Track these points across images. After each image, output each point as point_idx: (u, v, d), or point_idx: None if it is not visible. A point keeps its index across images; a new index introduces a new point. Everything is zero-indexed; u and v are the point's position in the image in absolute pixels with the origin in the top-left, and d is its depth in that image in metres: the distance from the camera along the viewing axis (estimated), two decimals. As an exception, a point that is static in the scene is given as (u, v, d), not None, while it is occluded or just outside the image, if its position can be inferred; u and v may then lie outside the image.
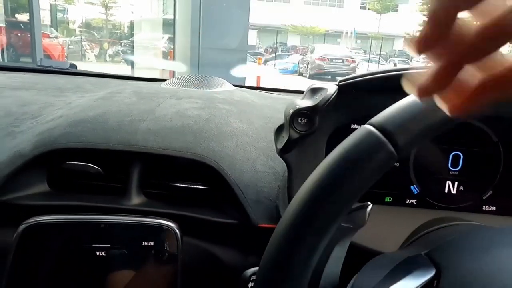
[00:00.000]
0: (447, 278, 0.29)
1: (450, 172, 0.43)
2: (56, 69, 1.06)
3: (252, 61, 10.85)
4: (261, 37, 24.58)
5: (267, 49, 20.94)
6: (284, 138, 0.37)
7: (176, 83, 0.85)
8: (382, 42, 18.62)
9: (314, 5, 25.89)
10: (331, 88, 0.38)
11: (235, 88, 0.87)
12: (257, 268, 0.40)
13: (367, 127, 0.25)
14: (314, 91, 0.39)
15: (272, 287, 0.25)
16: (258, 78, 7.06)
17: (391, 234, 0.41)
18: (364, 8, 25.85)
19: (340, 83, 0.40)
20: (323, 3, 26.20)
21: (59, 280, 0.43)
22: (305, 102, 0.37)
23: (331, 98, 0.37)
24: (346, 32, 24.05)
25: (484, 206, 0.44)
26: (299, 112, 0.36)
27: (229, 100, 0.70)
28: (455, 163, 0.43)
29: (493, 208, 0.44)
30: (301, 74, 13.32)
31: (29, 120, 0.59)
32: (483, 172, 0.43)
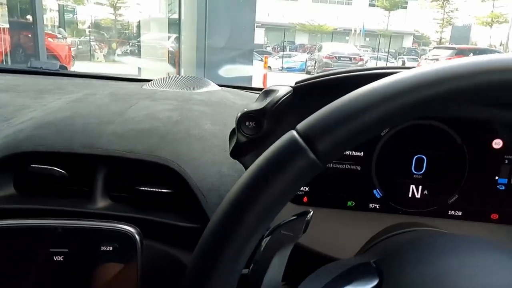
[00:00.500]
0: (385, 286, 0.28)
1: (414, 176, 0.42)
2: (46, 71, 1.06)
3: (259, 60, 10.85)
4: (269, 35, 24.54)
5: (275, 48, 20.90)
6: (233, 141, 0.36)
7: (159, 84, 0.84)
8: (390, 40, 18.44)
9: (323, 3, 25.76)
10: (283, 90, 0.37)
11: (219, 88, 0.86)
12: None
13: (292, 132, 0.24)
14: (266, 93, 0.37)
15: (200, 278, 0.24)
16: (265, 76, 7.06)
17: (352, 239, 0.40)
18: (373, 5, 25.64)
19: (295, 85, 0.39)
20: (331, 0, 26.07)
21: (17, 285, 0.43)
22: (255, 105, 0.36)
23: (281, 101, 0.36)
24: (355, 30, 23.88)
25: (450, 211, 0.42)
26: (247, 115, 0.35)
27: (206, 101, 0.69)
28: (418, 166, 0.41)
29: (459, 213, 0.42)
30: (308, 72, 13.27)
31: (2, 122, 0.58)
32: (448, 175, 0.42)
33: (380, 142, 0.41)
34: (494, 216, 0.42)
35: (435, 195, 0.42)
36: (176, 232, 0.48)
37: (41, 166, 0.50)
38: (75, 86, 0.82)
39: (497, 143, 0.40)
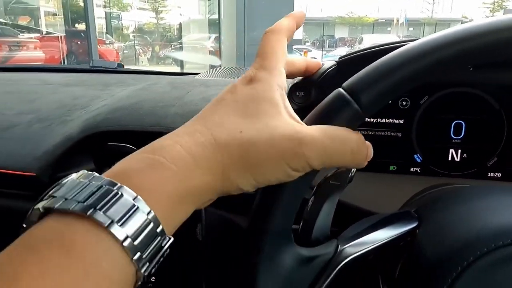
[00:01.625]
0: (424, 227, 0.32)
1: (453, 141, 0.45)
2: (106, 69, 1.17)
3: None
4: (308, 30, 24.32)
5: (314, 43, 20.70)
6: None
7: (208, 75, 0.91)
8: (435, 28, 17.69)
9: (362, -6, 25.12)
10: (328, 64, 0.42)
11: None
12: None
13: (338, 89, 0.29)
14: (314, 67, 0.42)
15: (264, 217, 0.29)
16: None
17: (395, 199, 0.44)
18: (416, -7, 24.66)
19: (339, 59, 0.44)
20: (371, -9, 25.35)
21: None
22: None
23: (326, 72, 0.40)
24: (397, 20, 23.12)
25: (489, 173, 0.45)
26: (296, 85, 0.40)
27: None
28: (457, 131, 0.44)
29: (499, 175, 0.45)
30: (349, 66, 13.01)
31: (79, 110, 0.67)
32: (486, 139, 0.44)
33: (419, 109, 0.45)
34: (534, 177, 0.44)
35: (474, 158, 0.45)
36: (233, 199, 0.54)
37: (116, 143, 0.58)
38: (135, 79, 0.91)
39: (535, 107, 0.43)
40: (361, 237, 0.33)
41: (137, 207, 0.21)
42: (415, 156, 0.46)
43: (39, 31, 9.42)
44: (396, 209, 0.43)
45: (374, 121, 0.46)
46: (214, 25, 9.14)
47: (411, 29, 24.55)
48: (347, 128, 0.28)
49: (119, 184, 0.21)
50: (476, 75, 0.43)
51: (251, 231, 0.30)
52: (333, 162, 0.27)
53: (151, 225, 0.21)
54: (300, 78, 0.40)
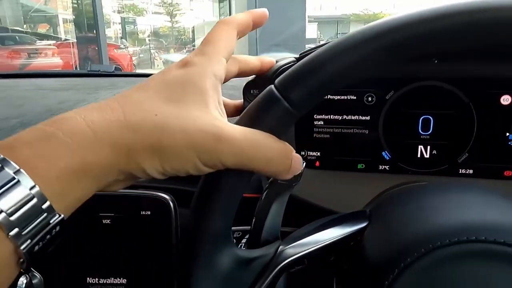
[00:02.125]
0: (371, 227, 0.31)
1: (421, 137, 0.43)
2: (103, 73, 1.18)
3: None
4: (322, 29, 24.16)
5: (329, 41, 20.52)
6: (244, 109, 0.40)
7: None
8: (454, 22, 17.22)
9: (377, -9, 24.78)
10: (286, 60, 0.41)
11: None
12: (245, 227, 0.44)
13: (270, 86, 0.28)
14: (273, 64, 0.41)
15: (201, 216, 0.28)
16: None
17: (362, 198, 0.43)
18: (433, -13, 24.16)
19: (299, 56, 0.43)
20: (386, -13, 24.98)
21: (73, 245, 0.51)
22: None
23: (281, 69, 0.39)
24: (413, 16, 22.63)
25: (460, 170, 0.43)
26: (250, 83, 0.39)
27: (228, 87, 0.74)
28: (425, 127, 0.43)
29: (470, 171, 0.43)
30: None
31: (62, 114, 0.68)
32: (456, 135, 0.42)
33: (385, 105, 0.43)
34: (508, 173, 0.42)
35: (444, 155, 0.43)
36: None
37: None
38: (126, 83, 0.92)
39: (506, 99, 0.41)
40: (305, 237, 0.32)
41: (18, 181, 0.20)
42: (383, 153, 0.44)
43: (57, 38, 9.67)
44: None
45: (340, 118, 0.45)
46: (227, 27, 9.14)
47: (428, 24, 23.99)
48: (271, 136, 0.27)
49: (1, 156, 0.21)
50: (443, 68, 0.41)
51: (189, 231, 0.30)
52: (248, 166, 0.26)
53: (35, 200, 0.21)
54: (254, 76, 0.40)
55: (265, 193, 0.34)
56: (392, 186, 0.42)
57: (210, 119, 0.25)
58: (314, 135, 0.45)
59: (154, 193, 0.51)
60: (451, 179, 0.43)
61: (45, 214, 0.21)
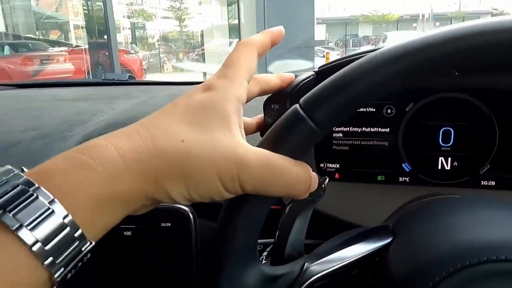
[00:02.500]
0: (396, 243, 0.31)
1: (442, 148, 0.43)
2: (117, 81, 1.20)
3: (322, 56, 10.74)
4: (330, 30, 24.09)
5: (337, 42, 20.49)
6: (266, 123, 0.41)
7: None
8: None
9: (386, -9, 24.64)
10: (305, 75, 0.41)
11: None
12: (267, 240, 0.44)
13: (295, 106, 0.28)
14: (291, 78, 0.42)
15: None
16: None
17: (384, 210, 0.43)
18: (442, -13, 23.98)
19: (318, 69, 0.43)
20: (395, -13, 24.84)
21: (95, 257, 0.51)
22: (280, 90, 0.40)
23: (301, 84, 0.39)
24: (423, 15, 22.54)
25: (482, 181, 0.43)
26: (271, 98, 0.40)
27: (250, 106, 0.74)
28: (446, 139, 0.43)
29: (493, 183, 0.42)
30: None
31: (80, 125, 0.69)
32: (477, 146, 0.42)
33: (405, 117, 0.43)
34: (531, 184, 0.42)
35: (465, 166, 0.43)
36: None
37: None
38: (141, 91, 0.92)
39: (528, 110, 0.40)
40: (330, 254, 0.32)
41: (52, 211, 0.21)
42: (403, 165, 0.44)
43: (68, 45, 9.81)
44: (382, 222, 0.42)
45: (359, 130, 0.45)
46: (235, 30, 9.22)
47: (437, 24, 23.86)
48: (291, 160, 0.27)
49: (36, 185, 0.21)
50: (464, 80, 0.41)
51: (215, 249, 0.30)
52: (268, 192, 0.26)
53: (68, 229, 0.21)
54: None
55: (288, 208, 0.34)
56: (413, 198, 0.42)
57: (233, 145, 0.25)
58: (334, 147, 0.45)
59: (174, 205, 0.51)
60: (473, 191, 0.43)
61: (77, 242, 0.22)
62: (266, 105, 0.40)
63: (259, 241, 0.47)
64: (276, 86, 0.36)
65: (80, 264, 0.23)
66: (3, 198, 0.20)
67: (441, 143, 0.43)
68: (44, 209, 0.21)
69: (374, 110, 0.43)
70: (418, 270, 0.27)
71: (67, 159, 0.23)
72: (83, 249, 0.22)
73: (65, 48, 8.76)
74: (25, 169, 0.23)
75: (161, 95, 0.77)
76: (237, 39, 8.76)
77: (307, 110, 0.27)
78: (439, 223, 0.30)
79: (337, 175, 0.46)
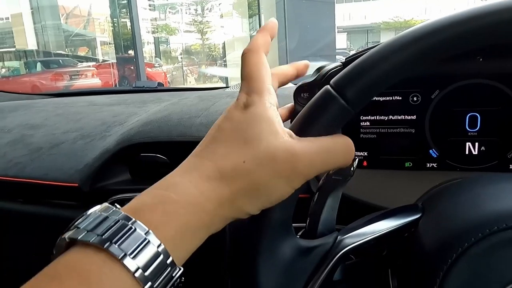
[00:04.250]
0: (426, 217, 0.32)
1: (469, 134, 0.44)
2: (147, 88, 1.25)
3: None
4: (352, 39, 23.97)
5: (359, 50, 20.33)
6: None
7: (238, 87, 0.95)
8: (490, 25, 16.62)
9: (407, -3, 24.37)
10: (333, 65, 0.43)
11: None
12: (299, 224, 0.46)
13: (326, 86, 0.30)
14: (319, 69, 0.44)
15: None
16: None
17: (412, 196, 0.44)
18: (466, -9, 23.51)
19: (345, 60, 0.45)
20: (417, -7, 24.53)
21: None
22: (310, 79, 0.43)
23: (330, 73, 0.42)
24: (447, 20, 22.03)
25: (510, 165, 0.43)
26: (301, 87, 0.42)
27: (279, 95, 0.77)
28: (472, 124, 0.44)
29: (521, 166, 0.43)
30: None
31: (117, 126, 0.73)
32: (504, 131, 0.43)
33: (431, 104, 0.44)
34: (560, 167, 0.42)
35: (493, 151, 0.43)
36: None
37: (148, 154, 0.62)
38: (171, 95, 0.97)
39: (554, 94, 0.41)
40: (361, 228, 0.33)
41: (148, 241, 0.23)
42: (431, 151, 0.45)
43: (95, 60, 10.17)
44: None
45: (386, 119, 0.46)
46: (257, 41, 9.29)
47: (462, 28, 23.29)
48: (331, 137, 0.29)
49: (133, 219, 0.24)
50: (488, 66, 0.42)
51: (250, 225, 0.32)
52: (323, 170, 0.30)
53: (161, 257, 0.24)
54: (305, 80, 0.42)
55: (320, 188, 0.36)
56: (442, 182, 0.43)
57: (285, 144, 0.28)
58: (361, 136, 0.47)
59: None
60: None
61: (169, 268, 0.24)
62: (296, 94, 0.42)
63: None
64: (292, 76, 0.38)
65: None
66: (108, 232, 0.23)
67: (468, 129, 0.44)
68: (142, 240, 0.23)
69: (400, 98, 0.45)
70: (447, 239, 0.29)
71: (154, 196, 0.26)
72: (173, 274, 0.25)
73: (93, 63, 9.09)
74: (117, 206, 0.26)
75: (191, 97, 0.81)
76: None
77: (338, 89, 0.29)
78: (467, 196, 0.32)
79: (365, 163, 0.48)
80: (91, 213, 0.25)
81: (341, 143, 0.30)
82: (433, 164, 0.46)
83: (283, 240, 0.31)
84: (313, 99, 0.31)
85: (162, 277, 0.24)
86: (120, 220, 0.24)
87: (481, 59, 0.42)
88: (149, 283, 0.23)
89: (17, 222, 0.70)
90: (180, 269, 0.25)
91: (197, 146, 0.30)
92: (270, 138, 0.28)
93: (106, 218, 0.24)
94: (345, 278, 0.36)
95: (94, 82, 7.87)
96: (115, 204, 0.26)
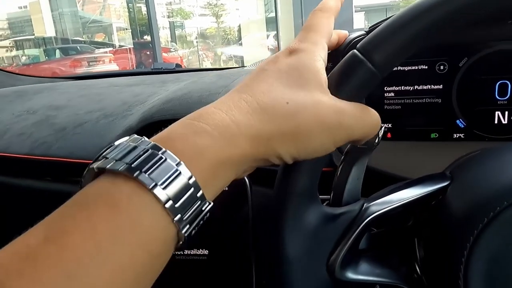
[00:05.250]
0: (454, 184, 0.32)
1: (498, 102, 0.43)
2: (165, 70, 1.25)
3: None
4: (370, 18, 23.39)
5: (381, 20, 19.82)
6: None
7: (258, 64, 0.95)
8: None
9: (428, -26, 23.49)
10: (356, 34, 0.42)
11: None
12: (324, 196, 0.46)
13: (353, 50, 0.30)
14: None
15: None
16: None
17: (439, 166, 0.43)
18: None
19: (369, 28, 0.44)
20: (438, -31, 23.58)
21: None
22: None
23: (353, 42, 0.41)
24: (469, -4, 21.23)
25: (542, 134, 0.42)
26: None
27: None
28: (503, 92, 0.42)
29: (553, 135, 0.42)
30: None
31: (139, 105, 0.74)
32: (536, 98, 0.41)
33: (458, 73, 0.43)
34: None
35: (523, 119, 0.42)
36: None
37: (169, 131, 0.63)
38: (189, 76, 0.97)
39: None
40: (385, 196, 0.33)
41: (179, 172, 0.22)
42: (458, 121, 0.44)
43: (112, 45, 10.25)
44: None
45: (411, 89, 0.45)
46: (272, 23, 9.20)
47: (486, 4, 22.42)
48: (360, 106, 0.29)
49: (163, 149, 0.23)
50: (520, 30, 0.40)
51: (277, 193, 0.32)
52: (363, 136, 0.30)
53: (192, 189, 0.23)
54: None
55: (344, 158, 0.36)
56: (469, 152, 0.42)
57: (332, 100, 0.27)
58: (385, 107, 0.46)
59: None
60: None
61: (199, 202, 0.23)
62: (320, 64, 0.41)
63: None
64: (335, 43, 0.37)
65: (201, 222, 0.24)
66: (137, 161, 0.22)
67: (498, 97, 0.42)
68: (173, 171, 0.22)
69: (426, 67, 0.44)
70: (478, 203, 0.28)
71: (186, 125, 0.25)
72: (203, 208, 0.24)
73: (110, 49, 9.17)
74: (145, 138, 0.25)
75: (210, 75, 0.80)
76: (274, 32, 8.74)
77: (365, 53, 0.29)
78: (496, 164, 0.31)
79: (389, 135, 0.47)
80: (119, 143, 0.24)
81: (370, 113, 0.29)
82: (460, 135, 0.45)
83: (309, 207, 0.31)
84: (340, 63, 0.30)
85: (192, 209, 0.23)
86: (150, 150, 0.23)
87: (511, 22, 0.40)
88: (179, 215, 0.22)
89: (46, 200, 0.72)
90: (210, 203, 0.24)
91: (236, 85, 0.28)
92: (316, 88, 0.27)
93: (135, 147, 0.23)
94: (370, 247, 0.36)
95: (112, 67, 7.96)
96: (143, 136, 0.25)
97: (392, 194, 0.33)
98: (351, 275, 0.31)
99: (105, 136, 0.66)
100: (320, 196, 0.47)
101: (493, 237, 0.27)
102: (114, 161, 0.23)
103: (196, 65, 13.14)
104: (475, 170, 0.32)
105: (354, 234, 0.31)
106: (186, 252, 0.54)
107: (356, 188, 0.36)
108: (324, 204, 0.46)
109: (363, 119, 0.29)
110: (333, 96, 0.28)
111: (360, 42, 0.29)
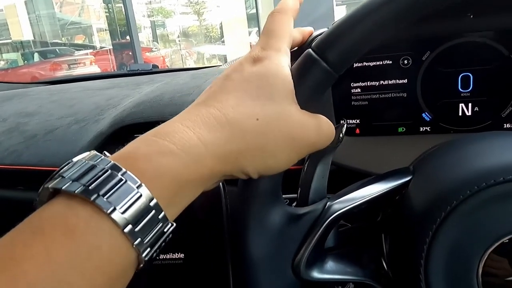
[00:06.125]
0: (416, 178, 0.32)
1: (462, 94, 0.43)
2: (141, 71, 1.24)
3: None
4: (351, 12, 23.52)
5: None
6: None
7: (233, 64, 0.94)
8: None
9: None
10: (320, 31, 0.42)
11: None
12: (288, 195, 0.46)
13: (307, 50, 0.30)
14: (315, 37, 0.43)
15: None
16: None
17: (406, 160, 0.43)
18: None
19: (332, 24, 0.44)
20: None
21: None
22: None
23: (314, 39, 0.40)
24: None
25: (505, 124, 0.43)
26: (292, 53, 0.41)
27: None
28: (465, 84, 0.43)
29: (516, 125, 0.42)
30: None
31: (111, 109, 0.73)
32: (498, 89, 0.42)
33: (422, 66, 0.43)
34: (556, 123, 0.41)
35: (487, 111, 0.43)
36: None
37: (141, 135, 0.62)
38: (165, 77, 0.96)
39: (548, 48, 0.40)
40: (350, 193, 0.33)
41: (140, 194, 0.21)
42: (423, 115, 0.45)
43: (93, 47, 10.10)
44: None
45: (377, 84, 0.45)
46: (254, 20, 9.19)
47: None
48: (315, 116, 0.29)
49: (123, 170, 0.22)
50: (479, 23, 0.41)
51: (240, 194, 0.32)
52: (323, 146, 0.30)
53: (153, 211, 0.22)
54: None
55: (309, 157, 0.35)
56: (435, 145, 0.42)
57: (298, 112, 0.27)
58: (352, 103, 0.46)
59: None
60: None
61: (161, 224, 0.22)
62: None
63: (284, 196, 0.49)
64: (298, 41, 0.37)
65: (163, 244, 0.24)
66: (95, 182, 0.21)
67: (461, 89, 0.43)
68: (133, 193, 0.21)
69: (390, 62, 0.44)
70: (436, 198, 0.28)
71: (151, 143, 0.24)
72: (165, 230, 0.23)
73: (91, 51, 9.04)
74: (106, 153, 0.24)
75: (183, 76, 0.80)
76: (257, 29, 8.72)
77: (319, 52, 0.28)
78: (456, 156, 0.31)
79: (357, 131, 0.47)
80: (77, 160, 0.23)
81: (326, 123, 0.30)
82: (426, 128, 0.45)
83: (272, 207, 0.31)
84: (295, 63, 0.30)
85: (153, 232, 0.22)
86: (109, 170, 0.22)
87: (471, 16, 0.40)
88: (139, 239, 0.21)
89: (19, 210, 0.70)
90: (172, 224, 0.23)
91: (201, 95, 0.27)
92: (284, 101, 0.26)
93: (93, 167, 0.22)
94: (338, 245, 0.36)
95: (93, 69, 7.84)
96: (104, 152, 0.24)
97: (357, 191, 0.33)
98: (317, 274, 0.31)
99: (77, 142, 0.65)
100: (289, 195, 0.47)
101: (451, 231, 0.27)
102: (71, 182, 0.21)
103: (179, 64, 13.03)
104: (434, 164, 0.32)
105: (318, 234, 0.31)
106: (161, 256, 0.54)
107: (322, 186, 0.36)
108: (293, 204, 0.46)
109: (322, 130, 0.29)
110: (298, 107, 0.28)
111: (315, 42, 0.29)
